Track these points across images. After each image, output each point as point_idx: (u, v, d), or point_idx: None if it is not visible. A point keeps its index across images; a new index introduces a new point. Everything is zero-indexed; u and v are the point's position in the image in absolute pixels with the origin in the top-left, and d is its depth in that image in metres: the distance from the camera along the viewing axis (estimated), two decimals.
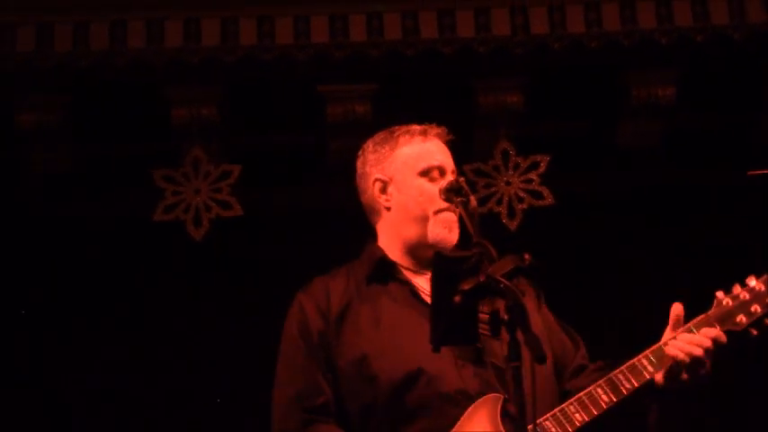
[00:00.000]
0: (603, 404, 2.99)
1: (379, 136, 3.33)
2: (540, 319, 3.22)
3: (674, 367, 3.02)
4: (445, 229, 3.14)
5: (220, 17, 5.19)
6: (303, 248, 5.17)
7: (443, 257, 2.79)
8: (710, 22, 5.27)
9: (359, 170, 3.32)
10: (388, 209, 3.24)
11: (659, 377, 3.04)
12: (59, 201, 5.52)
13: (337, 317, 3.11)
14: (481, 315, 2.71)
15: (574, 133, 5.64)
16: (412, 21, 5.24)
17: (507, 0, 5.25)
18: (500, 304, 2.65)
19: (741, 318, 3.08)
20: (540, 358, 2.59)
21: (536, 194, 5.47)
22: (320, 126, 5.44)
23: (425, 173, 3.20)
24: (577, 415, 2.97)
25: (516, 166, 5.50)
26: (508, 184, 5.49)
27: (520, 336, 2.61)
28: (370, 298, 3.13)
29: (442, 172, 3.21)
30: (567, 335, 3.31)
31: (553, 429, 2.96)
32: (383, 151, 3.28)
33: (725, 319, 3.08)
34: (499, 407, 2.94)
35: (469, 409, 2.94)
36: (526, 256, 2.70)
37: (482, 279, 2.66)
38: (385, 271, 3.18)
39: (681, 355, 3.00)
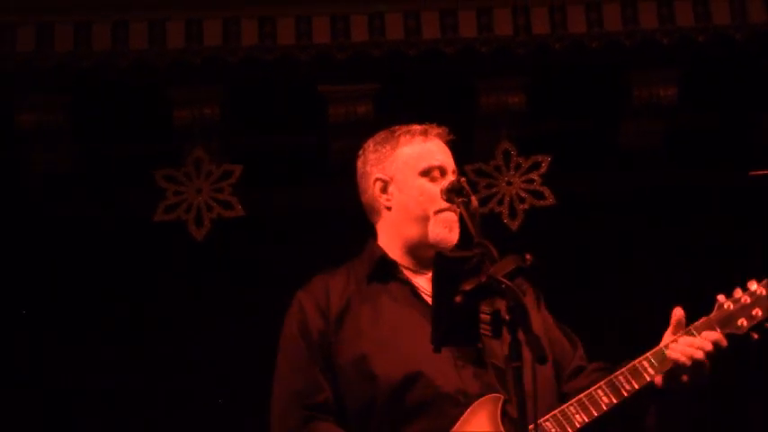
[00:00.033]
0: (604, 405, 2.99)
1: (380, 135, 3.34)
2: (539, 319, 3.23)
3: (675, 369, 3.03)
4: (446, 229, 3.14)
5: (222, 18, 5.19)
6: (303, 248, 5.17)
7: (444, 258, 2.79)
8: (712, 23, 5.27)
9: (359, 170, 3.32)
10: (389, 208, 3.24)
11: (659, 379, 3.05)
12: (59, 201, 5.51)
13: (337, 316, 3.11)
14: (482, 316, 2.72)
15: (575, 133, 5.63)
16: (414, 21, 5.24)
17: (509, 0, 5.25)
18: (501, 304, 2.64)
19: (742, 321, 3.09)
20: (541, 358, 2.60)
21: (537, 195, 5.46)
22: (322, 126, 5.44)
23: (426, 173, 3.20)
24: (578, 416, 2.98)
25: (518, 167, 5.49)
26: (509, 184, 5.49)
27: (521, 336, 2.60)
28: (371, 297, 3.13)
29: (443, 172, 3.21)
30: (566, 336, 3.31)
31: (553, 430, 2.97)
32: (384, 151, 3.28)
33: (726, 322, 3.10)
34: (499, 407, 2.94)
35: (469, 410, 2.94)
36: (527, 257, 2.70)
37: (483, 279, 2.66)
38: (385, 270, 3.18)
39: (682, 358, 3.01)
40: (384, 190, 3.24)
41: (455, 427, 2.93)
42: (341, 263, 3.31)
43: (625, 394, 3.01)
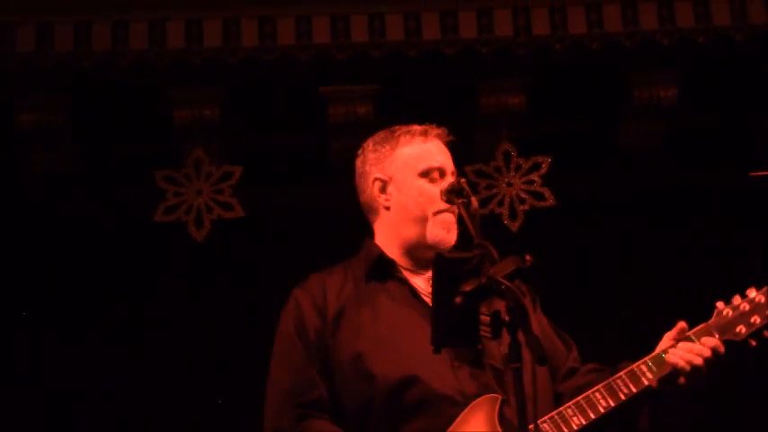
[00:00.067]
0: (601, 408, 3.00)
1: (380, 135, 3.33)
2: (535, 321, 3.22)
3: (672, 374, 3.05)
4: (444, 230, 3.14)
5: (222, 18, 5.19)
6: (303, 249, 5.16)
7: (444, 258, 2.79)
8: (712, 23, 5.27)
9: (358, 169, 3.32)
10: (388, 208, 3.23)
11: (655, 382, 3.06)
12: (59, 201, 5.51)
13: (334, 314, 3.11)
14: (482, 317, 2.72)
15: (575, 134, 5.63)
16: (414, 21, 5.24)
17: (509, 1, 5.25)
18: (501, 305, 2.65)
19: (741, 328, 3.11)
20: (541, 359, 2.60)
21: (537, 195, 5.46)
22: (322, 127, 5.44)
23: (425, 174, 3.20)
24: (575, 418, 2.99)
25: (518, 168, 5.49)
26: (509, 185, 5.49)
27: (521, 337, 2.60)
28: (369, 296, 3.13)
29: (442, 173, 3.21)
30: (560, 338, 3.32)
31: None
32: (383, 150, 3.27)
33: (725, 329, 3.12)
34: (497, 408, 2.94)
35: (466, 410, 2.94)
36: (527, 258, 2.70)
37: (483, 280, 2.66)
38: (383, 269, 3.18)
39: (681, 363, 3.04)
40: (383, 190, 3.24)
41: (453, 427, 2.93)
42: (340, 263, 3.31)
43: (623, 398, 3.02)
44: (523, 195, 5.47)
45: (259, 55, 5.19)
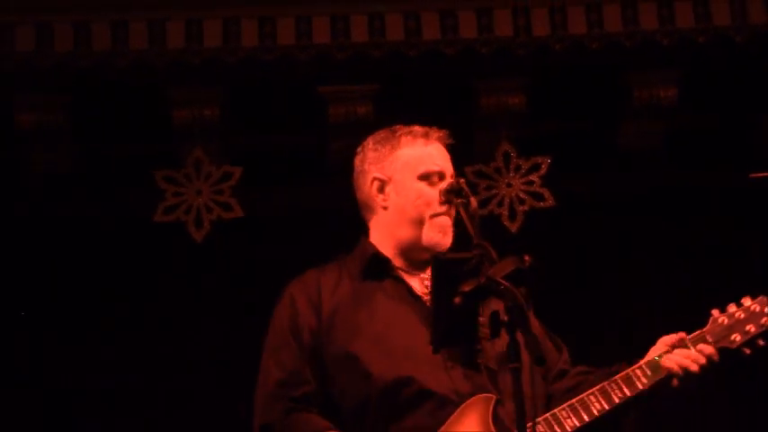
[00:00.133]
0: (596, 411, 3.03)
1: (380, 134, 3.32)
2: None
3: (666, 378, 3.09)
4: (439, 233, 3.14)
5: (222, 18, 5.19)
6: (303, 249, 5.16)
7: (444, 259, 2.79)
8: (712, 24, 5.27)
9: (357, 167, 3.31)
10: (385, 208, 3.23)
11: (650, 386, 3.08)
12: (59, 201, 5.52)
13: (329, 312, 3.11)
14: (481, 319, 2.73)
15: (575, 134, 5.63)
16: (414, 21, 5.24)
17: (509, 1, 5.25)
18: (500, 306, 2.65)
19: (736, 336, 3.15)
20: (539, 359, 2.62)
21: (537, 196, 5.47)
22: (321, 127, 5.44)
23: (425, 177, 3.20)
24: (569, 420, 3.00)
25: (517, 168, 5.50)
26: (509, 185, 5.49)
27: (519, 337, 2.61)
28: (365, 294, 3.14)
29: (442, 177, 3.21)
30: (551, 341, 3.33)
31: None
32: (384, 150, 3.27)
33: (720, 336, 3.16)
34: (491, 408, 2.95)
35: (459, 409, 2.95)
36: (526, 258, 2.70)
37: (482, 281, 2.66)
38: (379, 268, 3.18)
39: (675, 368, 3.08)
40: (381, 190, 3.24)
41: (446, 426, 2.93)
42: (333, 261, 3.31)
43: (617, 401, 3.06)
44: (523, 196, 5.47)
45: (259, 55, 5.19)
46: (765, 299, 3.20)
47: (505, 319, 2.63)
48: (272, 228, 5.51)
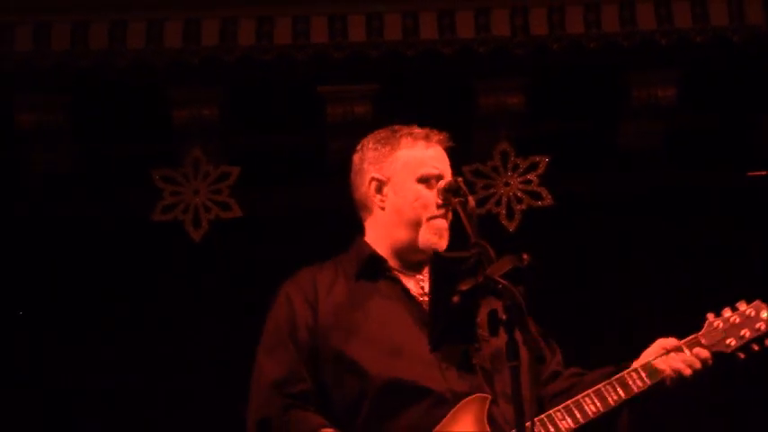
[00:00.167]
0: (591, 413, 3.03)
1: (380, 134, 3.30)
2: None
3: (661, 381, 3.10)
4: (435, 236, 3.14)
5: (220, 17, 5.20)
6: (302, 249, 5.15)
7: (442, 258, 2.79)
8: (710, 24, 5.28)
9: (355, 165, 3.30)
10: (382, 209, 3.23)
11: (645, 389, 3.10)
12: (59, 201, 5.52)
13: (326, 311, 3.11)
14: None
15: (574, 134, 5.64)
16: (412, 21, 5.24)
17: (507, 1, 5.26)
18: (498, 304, 2.65)
19: (731, 341, 3.16)
20: (539, 358, 2.62)
21: (535, 195, 5.47)
22: (320, 126, 5.45)
23: (424, 180, 3.19)
24: (564, 422, 3.01)
25: (515, 167, 5.50)
26: (507, 185, 5.49)
27: (518, 336, 2.61)
28: (361, 294, 3.13)
29: (440, 180, 3.21)
30: (545, 342, 3.32)
31: None
32: (383, 150, 3.25)
33: (715, 340, 3.17)
34: (486, 408, 2.95)
35: (455, 409, 2.95)
36: (525, 257, 2.70)
37: (480, 279, 2.66)
38: (375, 268, 3.18)
39: (668, 371, 3.09)
40: (379, 190, 3.23)
41: (441, 425, 2.94)
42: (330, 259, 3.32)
43: (612, 403, 3.07)
44: (521, 195, 5.47)
45: (257, 55, 5.20)
46: (761, 303, 3.21)
47: (504, 317, 2.63)
48: (271, 228, 5.51)
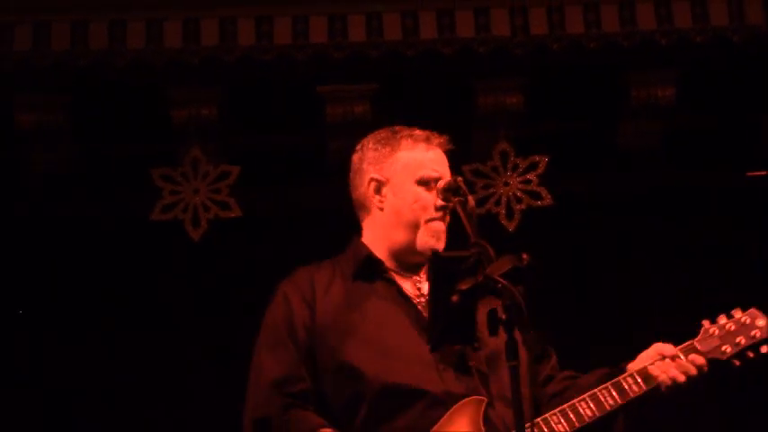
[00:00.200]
0: (586, 417, 3.04)
1: (381, 134, 3.30)
2: None
3: (656, 387, 3.10)
4: (433, 238, 3.13)
5: (219, 17, 5.20)
6: (302, 248, 5.15)
7: (441, 257, 2.79)
8: (710, 24, 5.28)
9: (355, 165, 3.29)
10: (381, 209, 3.22)
11: (641, 394, 3.10)
12: (59, 201, 5.53)
13: (323, 310, 3.11)
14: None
15: (573, 134, 5.64)
16: (411, 21, 5.25)
17: (507, 1, 5.26)
18: (498, 304, 2.65)
19: (726, 348, 3.16)
20: (538, 358, 2.61)
21: (534, 195, 5.47)
22: (319, 126, 5.45)
23: (424, 182, 3.18)
24: (560, 425, 3.01)
25: (515, 167, 5.50)
26: (506, 184, 5.50)
27: (517, 335, 2.62)
28: (358, 295, 3.13)
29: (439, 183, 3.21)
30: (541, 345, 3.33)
31: None
32: (384, 151, 3.25)
33: (711, 347, 3.16)
34: (482, 410, 2.95)
35: (450, 411, 2.95)
36: (524, 256, 2.70)
37: (480, 279, 2.66)
38: (372, 269, 3.18)
39: (663, 377, 3.09)
40: (378, 190, 3.22)
41: (437, 427, 2.93)
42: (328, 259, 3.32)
43: (608, 408, 3.07)
44: (520, 195, 5.47)
45: (256, 54, 5.20)
46: (756, 311, 3.21)
47: (503, 317, 2.63)
48: (270, 227, 5.52)
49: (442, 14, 5.26)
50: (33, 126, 5.36)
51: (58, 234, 5.51)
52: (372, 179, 3.22)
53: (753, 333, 3.17)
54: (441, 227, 3.13)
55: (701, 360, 3.11)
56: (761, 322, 3.18)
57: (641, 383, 3.09)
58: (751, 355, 3.17)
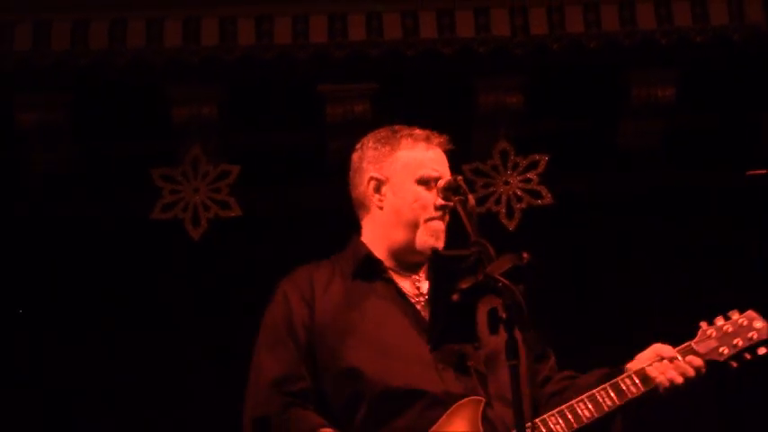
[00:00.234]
0: (585, 418, 3.03)
1: (381, 133, 3.29)
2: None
3: (654, 388, 3.10)
4: (432, 238, 3.13)
5: (219, 17, 5.21)
6: (302, 248, 5.15)
7: (442, 256, 2.79)
8: (710, 23, 5.29)
9: (354, 163, 3.29)
10: (380, 208, 3.22)
11: (639, 395, 3.10)
12: (59, 201, 5.53)
13: (322, 310, 3.11)
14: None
15: (573, 133, 5.64)
16: (411, 20, 5.25)
17: (507, 1, 5.26)
18: (498, 303, 2.65)
19: (724, 350, 3.16)
20: (538, 357, 2.61)
21: (535, 194, 5.47)
22: (319, 125, 5.45)
23: (424, 181, 3.18)
24: (558, 426, 3.01)
25: (515, 166, 5.50)
26: (507, 183, 5.50)
27: (517, 335, 2.61)
28: (357, 295, 3.12)
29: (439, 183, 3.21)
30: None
31: None
32: (384, 150, 3.24)
33: (708, 349, 3.16)
34: (480, 410, 2.95)
35: (449, 411, 2.94)
36: (525, 255, 2.70)
37: (480, 278, 2.66)
38: (371, 269, 3.18)
39: (661, 378, 3.08)
40: (377, 189, 3.22)
41: (436, 427, 2.93)
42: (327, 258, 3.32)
43: (606, 409, 3.07)
44: (520, 194, 5.48)
45: (256, 53, 5.20)
46: (753, 313, 3.21)
47: (504, 316, 2.63)
48: (270, 226, 5.52)
49: (442, 14, 5.27)
50: (33, 126, 5.36)
51: (58, 234, 5.51)
52: (372, 178, 3.22)
53: (750, 335, 3.17)
54: (440, 226, 3.13)
55: (698, 361, 3.11)
56: (758, 324, 3.18)
57: (639, 384, 3.08)
58: (748, 356, 3.17)
